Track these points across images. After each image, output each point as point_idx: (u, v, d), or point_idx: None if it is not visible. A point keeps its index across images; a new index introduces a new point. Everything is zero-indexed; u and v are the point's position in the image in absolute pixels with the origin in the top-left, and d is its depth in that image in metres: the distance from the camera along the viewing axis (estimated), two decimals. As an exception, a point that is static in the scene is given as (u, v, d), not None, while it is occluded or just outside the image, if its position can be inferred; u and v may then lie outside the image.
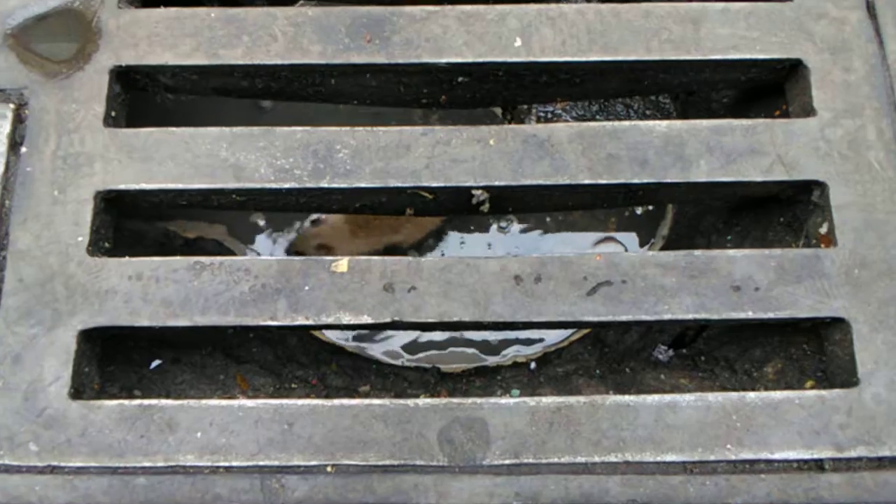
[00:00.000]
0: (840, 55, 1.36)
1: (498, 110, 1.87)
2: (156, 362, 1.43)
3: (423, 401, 1.17)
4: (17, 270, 1.22)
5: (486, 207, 1.36)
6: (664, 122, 1.31)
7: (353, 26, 1.35)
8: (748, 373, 1.41)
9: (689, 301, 1.22)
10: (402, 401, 1.17)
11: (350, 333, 1.73)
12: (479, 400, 1.17)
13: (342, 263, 1.24)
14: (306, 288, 1.23)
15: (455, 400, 1.17)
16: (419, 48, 1.35)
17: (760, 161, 1.30)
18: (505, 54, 1.35)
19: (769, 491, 1.13)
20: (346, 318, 1.21)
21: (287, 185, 1.28)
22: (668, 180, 1.29)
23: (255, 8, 1.38)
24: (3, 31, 1.35)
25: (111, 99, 1.34)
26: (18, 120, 1.30)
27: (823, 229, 1.30)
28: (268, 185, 1.27)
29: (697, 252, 1.25)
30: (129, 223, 1.60)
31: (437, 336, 1.75)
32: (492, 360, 1.73)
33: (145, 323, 1.21)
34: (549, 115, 1.87)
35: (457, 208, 1.38)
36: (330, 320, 1.21)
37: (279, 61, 1.34)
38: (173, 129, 1.30)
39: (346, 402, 1.17)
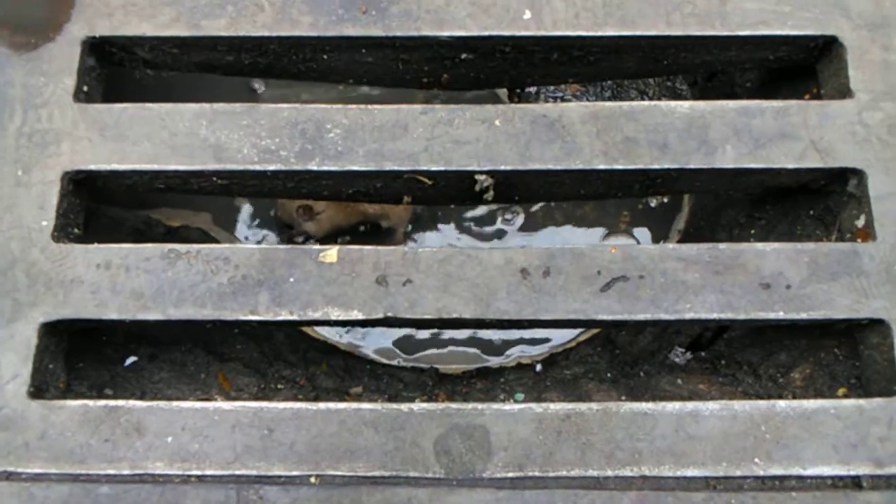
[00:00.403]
0: (879, 32, 1.25)
1: (503, 93, 1.76)
2: (130, 359, 1.33)
3: (418, 406, 1.06)
4: (-25, 257, 1.12)
5: (490, 195, 1.25)
6: (686, 103, 1.20)
7: (348, -5, 1.24)
8: (773, 378, 1.30)
9: (713, 299, 1.11)
10: (394, 405, 1.06)
11: (343, 329, 1.62)
12: (480, 405, 1.06)
13: (331, 253, 1.13)
14: (291, 280, 1.12)
15: (454, 405, 1.06)
16: (419, 20, 1.24)
17: (792, 146, 1.19)
18: (513, 27, 1.23)
19: (801, 510, 1.02)
20: (335, 314, 1.10)
21: (272, 167, 1.17)
22: (691, 166, 1.18)
23: (240, -25, 1.27)
24: (-33, -2, 1.25)
25: (83, 72, 1.23)
26: (-20, 94, 1.20)
27: (860, 222, 1.19)
28: (251, 167, 1.17)
29: (722, 245, 1.14)
30: (106, 210, 1.49)
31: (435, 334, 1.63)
32: (494, 361, 1.62)
33: (113, 316, 1.10)
34: (559, 101, 1.76)
35: (458, 196, 1.27)
36: (317, 315, 1.10)
37: (266, 33, 1.23)
38: (149, 104, 1.20)
39: (332, 405, 1.06)
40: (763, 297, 1.12)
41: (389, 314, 1.11)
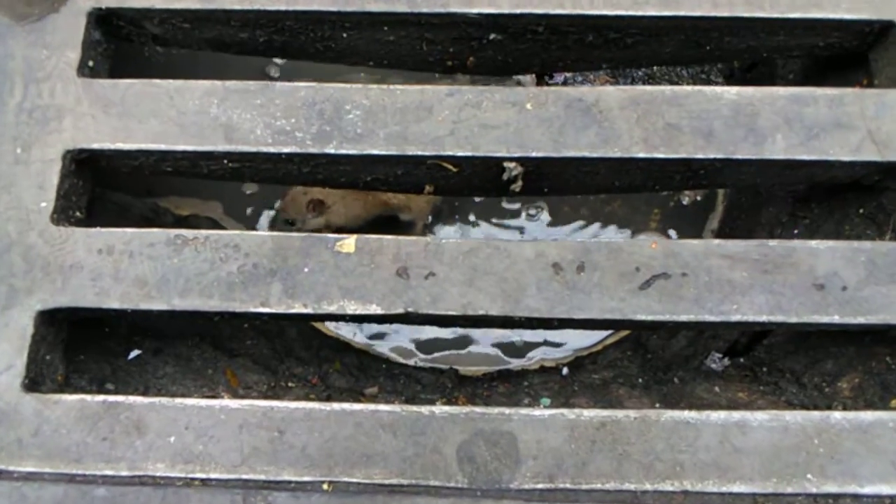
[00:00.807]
0: (941, 17, 1.15)
1: (530, 80, 1.68)
2: (134, 353, 1.25)
3: (439, 409, 0.98)
4: (-31, 239, 1.05)
5: (518, 186, 1.17)
6: (733, 88, 1.12)
7: (371, -31, 1.17)
8: (819, 388, 1.21)
9: (762, 300, 1.02)
10: (414, 408, 0.98)
11: (359, 326, 1.54)
12: (507, 410, 0.98)
13: (349, 242, 1.05)
14: (305, 270, 1.04)
15: (478, 409, 0.98)
16: (447, -5, 1.16)
17: (848, 137, 1.10)
18: (546, 5, 1.15)
19: (858, 533, 0.93)
20: (352, 308, 1.02)
21: (286, 150, 1.09)
22: (738, 156, 1.09)
23: (257, -55, 1.19)
24: (-31, -34, 1.18)
25: (89, 46, 1.16)
26: (-21, 66, 1.13)
27: (919, 221, 1.10)
28: (264, 149, 1.09)
29: (772, 242, 1.05)
30: (112, 195, 1.42)
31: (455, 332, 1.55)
32: (516, 364, 1.53)
33: (115, 305, 1.03)
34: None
35: (484, 185, 1.19)
36: (332, 309, 1.02)
37: (283, 7, 1.15)
38: (157, 80, 1.12)
39: (347, 406, 0.98)
40: (816, 299, 1.03)
41: (410, 309, 1.03)
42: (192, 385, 1.23)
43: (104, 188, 1.38)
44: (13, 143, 1.09)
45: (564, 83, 1.66)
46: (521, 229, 1.65)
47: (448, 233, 1.65)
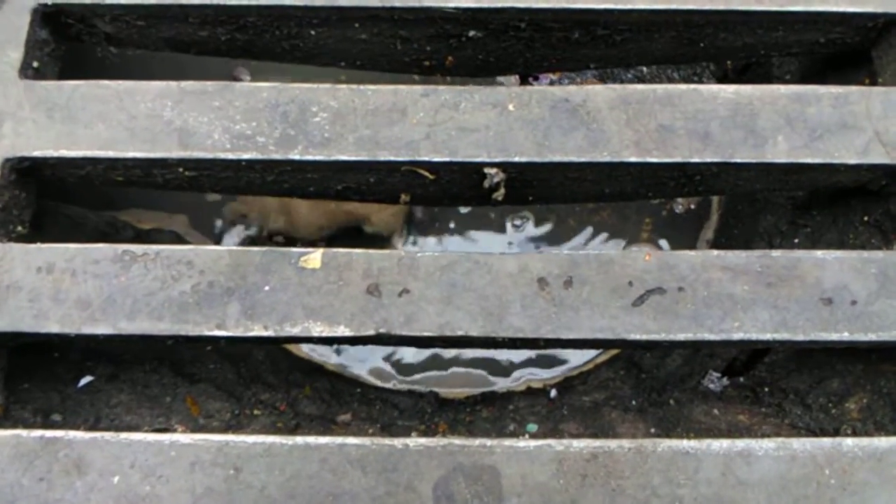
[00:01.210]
0: (949, 11, 1.08)
1: (513, 81, 1.59)
2: (85, 379, 1.15)
3: (414, 441, 0.88)
4: None
5: (500, 194, 1.08)
6: (731, 87, 1.04)
7: (340, -38, 1.08)
8: (825, 409, 1.12)
9: (765, 316, 0.94)
10: (386, 440, 0.88)
11: (331, 347, 1.44)
12: (488, 441, 0.88)
13: (314, 257, 0.96)
14: (266, 288, 0.94)
15: (457, 441, 0.88)
16: (421, -10, 1.07)
17: (854, 138, 1.02)
18: None
19: (876, 574, 0.85)
20: (317, 329, 0.93)
21: (247, 156, 1.00)
22: (736, 160, 1.01)
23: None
24: None
25: (33, 45, 1.07)
26: (-89, 68, 1.03)
27: (931, 229, 1.02)
28: (222, 156, 1.00)
29: (776, 253, 0.97)
30: (65, 209, 1.32)
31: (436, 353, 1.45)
32: (501, 385, 1.44)
33: (55, 329, 0.93)
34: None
35: (464, 194, 1.10)
36: (296, 331, 0.93)
37: (244, 1, 1.07)
38: (105, 81, 1.03)
39: (311, 440, 0.88)
40: (825, 315, 0.94)
41: (382, 330, 0.93)
42: (147, 414, 1.12)
43: (56, 200, 1.28)
44: (-55, 151, 1.00)
45: (550, 85, 1.58)
46: (503, 242, 1.56)
47: (425, 245, 1.56)
